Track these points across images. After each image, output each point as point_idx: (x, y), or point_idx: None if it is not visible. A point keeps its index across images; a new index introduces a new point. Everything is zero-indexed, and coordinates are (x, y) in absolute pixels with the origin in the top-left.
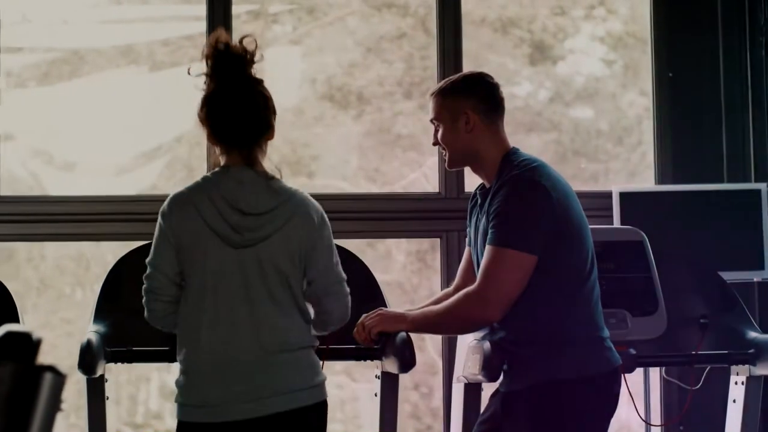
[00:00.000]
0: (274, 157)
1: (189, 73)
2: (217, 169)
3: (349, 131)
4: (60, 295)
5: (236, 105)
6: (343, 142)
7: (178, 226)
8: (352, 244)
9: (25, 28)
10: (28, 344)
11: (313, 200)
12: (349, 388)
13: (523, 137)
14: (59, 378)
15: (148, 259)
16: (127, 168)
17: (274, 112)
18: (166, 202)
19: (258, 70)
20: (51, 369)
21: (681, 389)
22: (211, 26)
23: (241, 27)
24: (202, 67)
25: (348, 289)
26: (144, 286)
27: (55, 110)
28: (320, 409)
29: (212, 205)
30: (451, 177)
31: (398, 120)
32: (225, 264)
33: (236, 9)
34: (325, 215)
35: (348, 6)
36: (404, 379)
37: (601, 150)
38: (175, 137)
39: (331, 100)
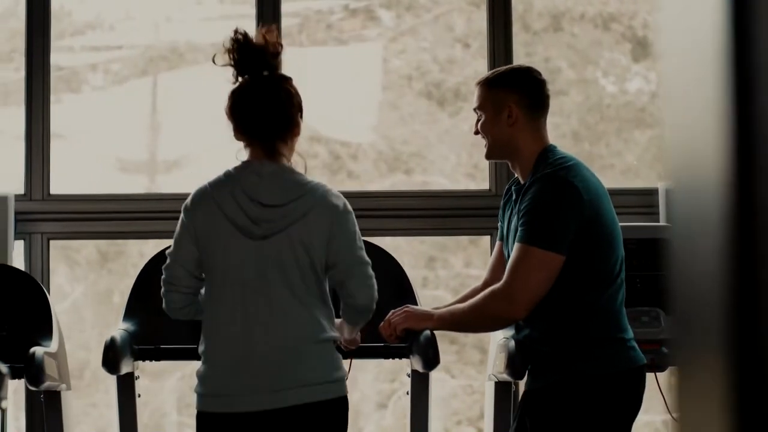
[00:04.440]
0: (371, 154)
1: (214, 62)
2: (239, 163)
3: (448, 128)
4: None
5: (259, 100)
6: (442, 139)
7: (199, 221)
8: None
9: (125, 25)
10: None
11: (335, 191)
12: (448, 385)
13: (628, 134)
14: None
15: (168, 251)
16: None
17: (299, 109)
18: (189, 198)
19: (283, 63)
20: None
21: None
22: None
23: (338, 23)
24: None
25: (372, 273)
26: (163, 277)
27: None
28: (339, 404)
29: (233, 199)
30: (501, 174)
31: None
32: (244, 256)
33: (332, 4)
34: (348, 205)
35: (448, 2)
36: None
37: None
38: None
39: (428, 97)
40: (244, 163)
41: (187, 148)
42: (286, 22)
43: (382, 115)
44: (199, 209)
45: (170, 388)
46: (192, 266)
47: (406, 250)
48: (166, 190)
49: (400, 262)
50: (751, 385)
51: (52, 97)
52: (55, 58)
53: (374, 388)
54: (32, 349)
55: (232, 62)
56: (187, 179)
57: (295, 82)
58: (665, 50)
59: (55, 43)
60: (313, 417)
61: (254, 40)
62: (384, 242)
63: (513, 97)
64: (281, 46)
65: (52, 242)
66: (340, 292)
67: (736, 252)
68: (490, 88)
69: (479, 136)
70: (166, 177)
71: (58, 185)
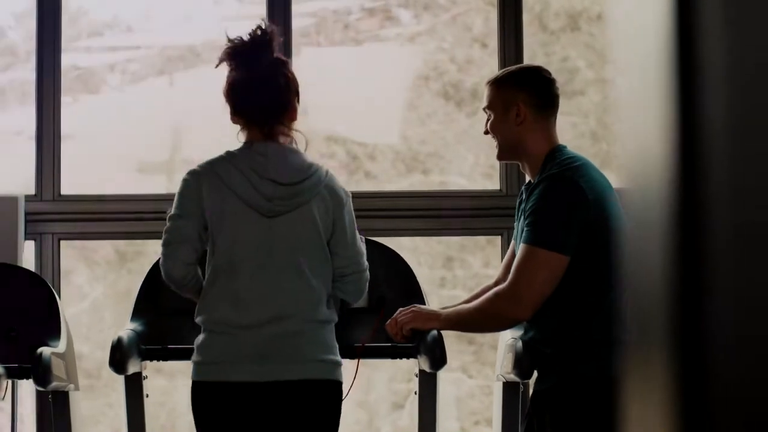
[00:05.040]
0: (389, 154)
1: (216, 68)
2: (240, 145)
3: (466, 128)
4: None
5: (257, 84)
6: (459, 139)
7: (204, 191)
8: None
9: (145, 25)
10: None
11: (333, 173)
12: (465, 385)
13: None
14: None
15: (170, 213)
16: None
17: (296, 93)
18: (190, 170)
19: (279, 52)
20: None
21: None
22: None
23: (356, 23)
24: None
25: (367, 264)
26: (166, 237)
27: (176, 106)
28: (333, 387)
29: (241, 175)
30: (511, 175)
31: None
32: (252, 232)
33: (351, 3)
34: (346, 189)
35: (465, 2)
36: None
37: None
38: None
39: (445, 97)
40: (245, 143)
41: (205, 148)
42: (303, 22)
43: (400, 116)
44: (204, 180)
45: (186, 387)
46: (200, 226)
47: (424, 250)
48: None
49: (417, 262)
50: (691, 385)
51: (70, 98)
52: (73, 59)
53: (390, 388)
54: (39, 350)
55: (232, 66)
56: None
57: (311, 80)
58: (615, 51)
59: (72, 44)
60: (307, 394)
61: (249, 34)
62: (401, 242)
63: (521, 96)
64: (274, 31)
65: (68, 243)
66: (336, 281)
67: (679, 252)
68: (498, 87)
69: (489, 136)
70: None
71: (74, 185)
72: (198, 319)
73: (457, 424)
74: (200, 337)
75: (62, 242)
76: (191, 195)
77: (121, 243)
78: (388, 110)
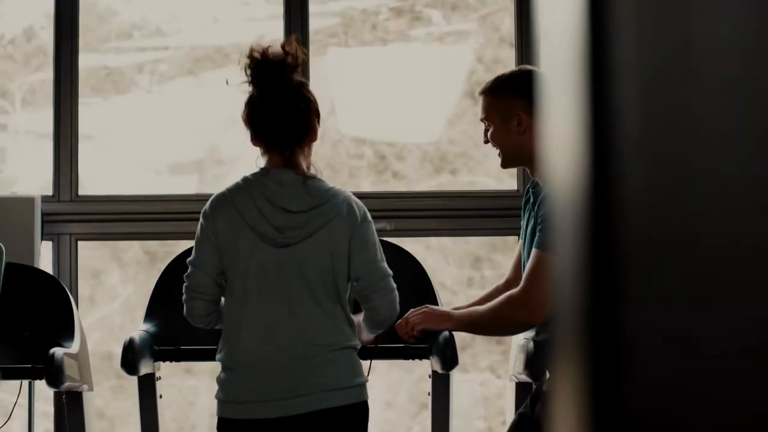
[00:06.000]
0: (417, 154)
1: (227, 84)
2: (257, 170)
3: None
4: None
5: (276, 107)
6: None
7: (219, 226)
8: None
9: (171, 26)
10: None
11: (355, 198)
12: (494, 385)
13: None
14: None
15: (189, 259)
16: None
17: (317, 115)
18: (207, 203)
19: (301, 72)
20: None
21: None
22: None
23: (384, 24)
24: (241, 76)
25: (394, 285)
26: (185, 285)
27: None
28: (359, 410)
29: (253, 205)
30: (527, 175)
31: None
32: (267, 263)
33: (378, 3)
34: (368, 213)
35: (494, 2)
36: None
37: None
38: None
39: (473, 97)
40: (262, 169)
41: (233, 149)
42: (330, 22)
43: (428, 116)
44: (219, 215)
45: (206, 388)
46: (215, 273)
47: (452, 250)
48: (208, 191)
49: (445, 262)
50: (602, 388)
51: (99, 98)
52: (103, 60)
53: (419, 388)
54: (52, 350)
55: (249, 79)
56: (231, 180)
57: (338, 83)
58: (540, 50)
59: (102, 45)
60: (332, 422)
61: (272, 54)
62: (429, 242)
63: (520, 104)
64: (303, 55)
65: (100, 243)
66: (364, 304)
67: (591, 255)
68: (494, 97)
69: (489, 145)
70: (212, 177)
71: (96, 186)
72: (218, 357)
73: (484, 424)
74: (222, 375)
75: (92, 243)
76: (205, 240)
77: (153, 243)
78: (416, 110)
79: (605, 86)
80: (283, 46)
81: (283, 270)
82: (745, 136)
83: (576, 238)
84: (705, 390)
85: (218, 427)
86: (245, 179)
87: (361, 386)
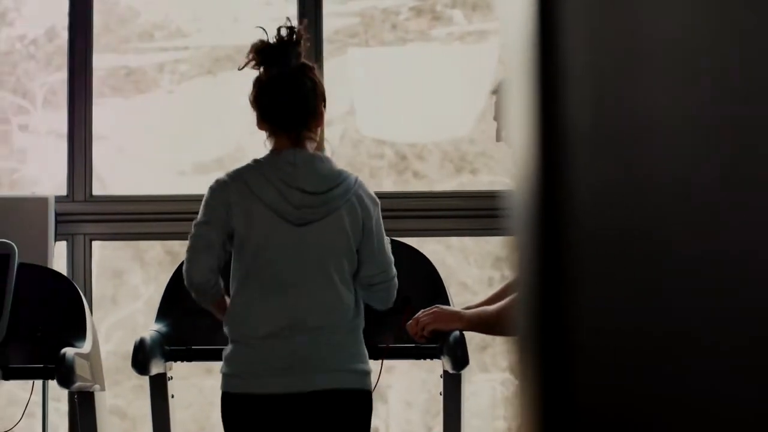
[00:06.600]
0: (437, 154)
1: (240, 69)
2: (266, 153)
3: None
4: None
5: (283, 89)
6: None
7: (233, 199)
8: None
9: (192, 26)
10: None
11: (362, 180)
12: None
13: None
14: None
15: (196, 221)
16: None
17: (323, 99)
18: (215, 180)
19: (306, 55)
20: None
21: None
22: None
23: (404, 23)
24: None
25: (395, 272)
26: (191, 243)
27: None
28: (364, 396)
29: (269, 183)
30: None
31: None
32: (282, 241)
33: (398, 3)
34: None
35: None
36: None
37: None
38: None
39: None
40: (272, 151)
41: (251, 149)
42: (350, 21)
43: (449, 115)
44: (232, 189)
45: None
46: (224, 234)
47: (473, 250)
48: None
49: (466, 262)
50: (551, 381)
51: (121, 99)
52: (125, 60)
53: (439, 387)
54: (63, 350)
55: (254, 60)
56: None
57: (358, 83)
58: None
59: (123, 45)
60: (337, 403)
61: (272, 40)
62: (450, 242)
63: None
64: (303, 32)
65: (120, 244)
66: (364, 290)
67: (541, 254)
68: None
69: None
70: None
71: (119, 186)
72: (225, 330)
73: (505, 424)
74: (228, 348)
75: (114, 243)
76: (218, 203)
77: (175, 243)
78: (436, 110)
79: (555, 85)
80: (279, 29)
81: (299, 248)
82: (695, 135)
83: (527, 236)
84: (653, 387)
85: (222, 401)
86: (256, 160)
87: (364, 373)
